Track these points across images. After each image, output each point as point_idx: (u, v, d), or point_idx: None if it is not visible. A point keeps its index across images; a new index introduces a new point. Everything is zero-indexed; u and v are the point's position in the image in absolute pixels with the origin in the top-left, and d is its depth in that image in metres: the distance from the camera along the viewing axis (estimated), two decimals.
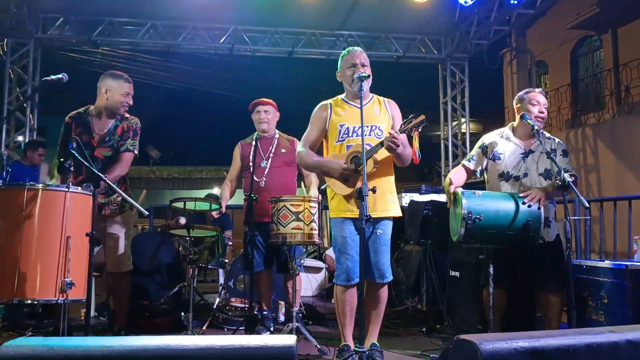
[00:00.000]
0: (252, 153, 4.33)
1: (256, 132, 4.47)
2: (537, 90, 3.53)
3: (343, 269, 3.24)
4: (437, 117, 9.68)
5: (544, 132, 3.47)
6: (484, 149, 3.56)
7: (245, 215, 4.11)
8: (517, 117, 3.52)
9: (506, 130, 3.56)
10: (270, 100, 4.46)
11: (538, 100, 3.42)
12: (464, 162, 3.63)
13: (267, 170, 4.31)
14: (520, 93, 3.56)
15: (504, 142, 3.50)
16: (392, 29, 8.83)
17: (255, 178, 4.23)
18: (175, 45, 8.60)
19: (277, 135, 4.45)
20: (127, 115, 3.87)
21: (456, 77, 9.45)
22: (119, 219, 3.80)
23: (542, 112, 3.41)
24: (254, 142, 4.37)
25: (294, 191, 4.37)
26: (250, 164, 4.29)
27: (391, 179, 3.37)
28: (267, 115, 4.38)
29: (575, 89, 11.64)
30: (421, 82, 11.75)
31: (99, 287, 5.15)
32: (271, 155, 4.34)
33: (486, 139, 3.60)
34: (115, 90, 3.74)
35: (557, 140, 3.47)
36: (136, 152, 3.83)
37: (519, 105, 3.52)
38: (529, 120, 3.34)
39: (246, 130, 4.61)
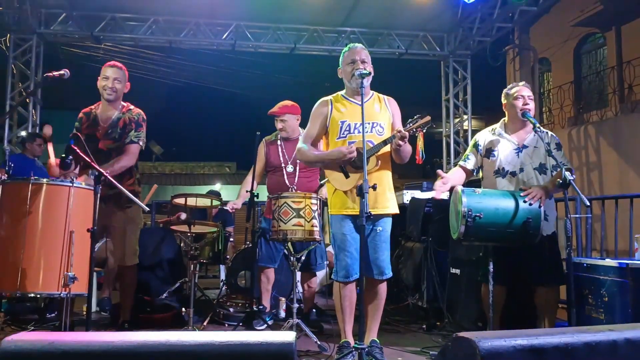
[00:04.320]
0: (279, 154, 4.35)
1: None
2: (521, 84, 3.58)
3: (342, 266, 3.25)
4: (439, 114, 9.65)
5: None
6: (478, 148, 3.60)
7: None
8: (507, 113, 3.58)
9: (498, 127, 3.60)
10: (284, 108, 4.37)
11: (522, 94, 3.46)
12: (460, 162, 3.67)
13: (296, 176, 4.32)
14: (506, 89, 3.61)
15: (497, 139, 3.54)
16: (394, 26, 8.80)
17: (287, 183, 4.28)
18: (178, 41, 8.59)
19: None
20: (131, 107, 3.92)
21: (459, 74, 9.43)
22: (126, 214, 3.83)
23: (526, 105, 3.44)
24: (279, 142, 4.37)
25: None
26: (274, 166, 4.33)
27: (390, 175, 3.37)
28: (284, 124, 4.36)
29: (578, 87, 11.59)
30: (423, 79, 11.73)
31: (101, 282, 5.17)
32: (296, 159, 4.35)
33: (479, 137, 3.65)
34: (100, 77, 3.84)
35: (550, 133, 3.51)
36: (141, 143, 3.85)
37: (505, 101, 3.58)
38: (530, 118, 3.38)
39: (248, 126, 4.60)
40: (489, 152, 3.54)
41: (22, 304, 4.46)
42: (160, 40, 8.66)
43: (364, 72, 3.14)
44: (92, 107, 3.93)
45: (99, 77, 3.85)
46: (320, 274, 6.59)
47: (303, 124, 4.45)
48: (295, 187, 4.28)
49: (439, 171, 3.42)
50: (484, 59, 9.15)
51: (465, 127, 9.50)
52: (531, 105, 3.46)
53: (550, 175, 3.40)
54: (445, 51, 9.23)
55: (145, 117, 3.92)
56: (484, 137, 3.61)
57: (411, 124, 3.16)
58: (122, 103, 3.93)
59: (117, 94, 3.85)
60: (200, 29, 8.48)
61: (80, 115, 3.90)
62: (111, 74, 3.82)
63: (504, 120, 3.60)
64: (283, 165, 4.34)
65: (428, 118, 3.16)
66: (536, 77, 12.07)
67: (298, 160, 4.32)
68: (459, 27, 8.85)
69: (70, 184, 3.03)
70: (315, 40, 8.82)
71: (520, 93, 3.47)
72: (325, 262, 6.08)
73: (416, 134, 3.17)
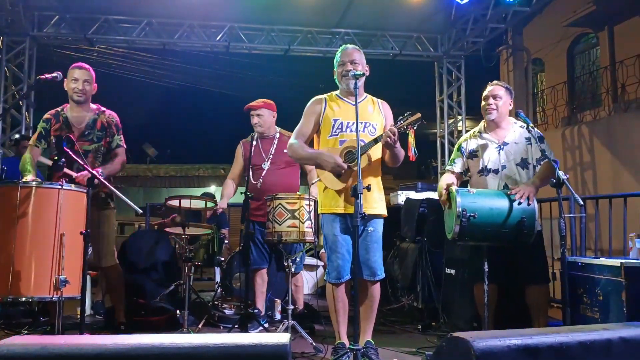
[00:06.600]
0: (251, 153, 4.32)
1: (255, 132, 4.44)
2: (494, 83, 3.67)
3: (333, 267, 3.25)
4: (434, 114, 9.68)
5: (515, 122, 3.57)
6: (462, 150, 3.68)
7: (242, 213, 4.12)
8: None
9: (479, 128, 3.68)
10: (261, 103, 4.40)
11: (486, 95, 3.58)
12: (448, 167, 3.74)
13: (264, 172, 4.30)
14: None
15: (478, 140, 3.62)
16: (388, 27, 8.81)
17: (252, 180, 4.23)
18: (172, 43, 8.57)
19: (277, 135, 4.42)
20: (102, 109, 3.91)
21: (452, 75, 9.46)
22: (102, 214, 3.80)
23: (489, 105, 3.54)
24: (254, 142, 4.36)
25: (296, 190, 4.37)
26: (252, 164, 4.29)
27: (379, 178, 3.38)
28: (260, 119, 4.36)
29: (571, 87, 11.64)
30: (417, 80, 11.76)
31: (95, 286, 5.15)
32: (271, 156, 4.34)
33: (462, 140, 3.74)
34: (67, 79, 3.78)
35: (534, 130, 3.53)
36: (125, 145, 3.91)
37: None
38: (522, 117, 3.41)
39: (243, 128, 4.59)
40: (473, 153, 3.62)
41: (15, 308, 4.43)
42: (154, 42, 8.63)
43: (357, 72, 3.15)
44: (58, 109, 3.87)
45: (65, 79, 3.77)
46: (316, 275, 6.59)
47: (279, 123, 4.47)
48: (261, 182, 4.27)
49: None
50: (477, 60, 9.18)
51: (459, 128, 9.52)
52: (498, 103, 3.52)
53: (534, 169, 3.43)
54: (439, 52, 9.25)
55: (118, 118, 3.94)
56: (466, 139, 3.70)
57: (402, 121, 3.16)
58: (92, 105, 3.90)
59: (87, 96, 3.81)
60: (194, 30, 8.46)
61: (48, 116, 3.83)
62: (80, 75, 3.77)
63: (484, 120, 3.67)
64: (258, 162, 4.34)
65: (418, 115, 3.17)
66: (529, 77, 12.11)
67: (271, 157, 4.31)
68: (452, 28, 8.88)
69: (60, 187, 3.01)
70: (309, 41, 8.81)
71: (488, 93, 3.57)
72: (321, 264, 6.10)
73: (407, 131, 3.18)
